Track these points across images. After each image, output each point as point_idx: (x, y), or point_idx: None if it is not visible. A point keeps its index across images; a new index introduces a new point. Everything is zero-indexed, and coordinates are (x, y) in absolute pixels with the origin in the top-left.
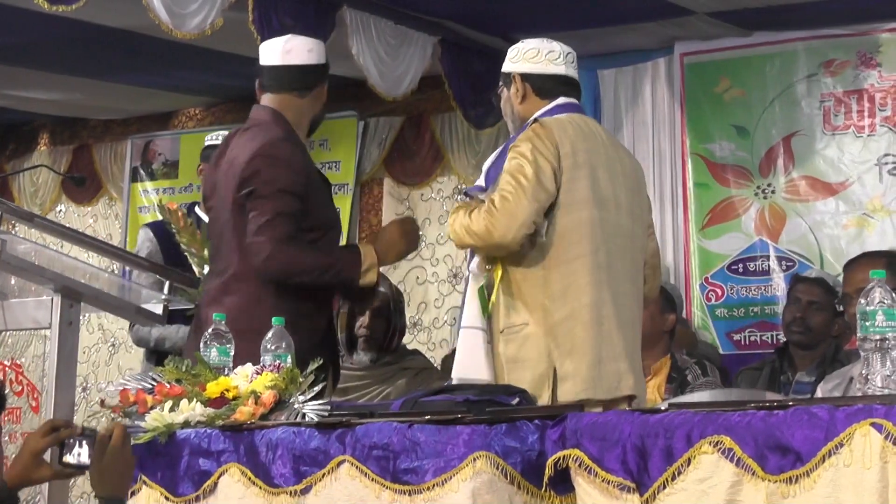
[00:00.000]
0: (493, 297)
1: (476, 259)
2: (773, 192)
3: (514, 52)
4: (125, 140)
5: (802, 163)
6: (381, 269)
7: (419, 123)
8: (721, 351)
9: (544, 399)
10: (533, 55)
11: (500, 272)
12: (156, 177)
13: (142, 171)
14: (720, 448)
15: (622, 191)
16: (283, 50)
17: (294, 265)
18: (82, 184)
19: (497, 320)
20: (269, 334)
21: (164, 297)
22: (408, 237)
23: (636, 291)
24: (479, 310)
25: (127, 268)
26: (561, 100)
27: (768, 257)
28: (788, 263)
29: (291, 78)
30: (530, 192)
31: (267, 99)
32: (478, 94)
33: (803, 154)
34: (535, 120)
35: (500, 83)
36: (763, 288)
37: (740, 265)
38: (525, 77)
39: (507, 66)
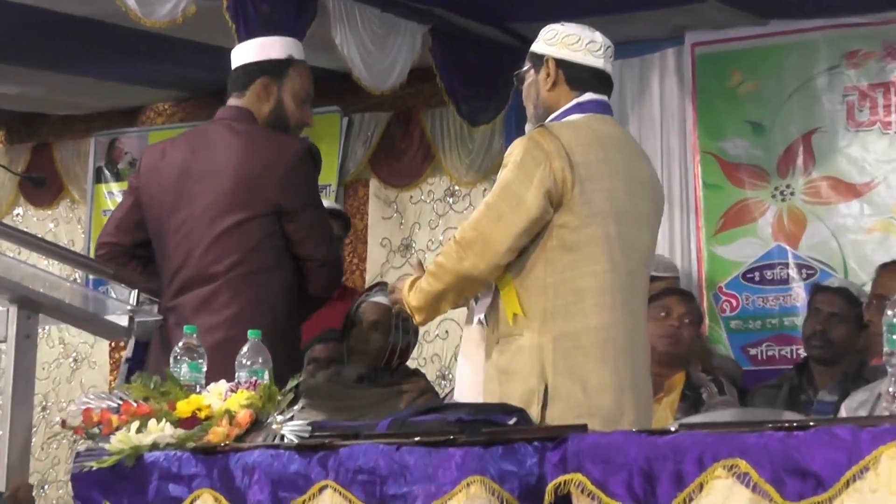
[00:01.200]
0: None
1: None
2: (791, 194)
3: (550, 33)
4: (88, 138)
5: (823, 162)
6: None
7: (408, 119)
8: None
9: (533, 417)
10: (573, 41)
11: (506, 279)
12: (122, 177)
13: (107, 172)
14: (735, 472)
15: (643, 202)
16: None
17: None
18: (42, 185)
19: (495, 330)
20: (245, 348)
21: (130, 307)
22: None
23: (640, 308)
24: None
25: (91, 276)
26: (589, 95)
27: (787, 265)
28: (809, 271)
29: (232, 81)
30: (507, 215)
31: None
32: (472, 88)
33: (824, 153)
34: (541, 125)
35: (528, 64)
36: (781, 298)
37: (756, 273)
38: (560, 63)
39: (541, 48)
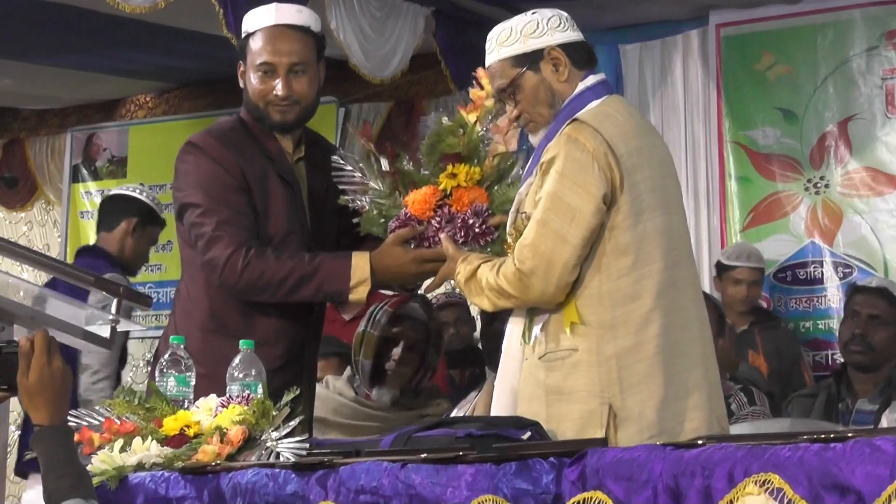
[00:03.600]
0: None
1: None
2: (826, 186)
3: (530, 25)
4: (63, 133)
5: (861, 152)
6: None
7: (410, 109)
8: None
9: None
10: (557, 24)
11: None
12: (100, 176)
13: (84, 170)
14: (768, 488)
15: (672, 184)
16: None
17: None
18: (14, 185)
19: (538, 345)
20: (237, 360)
21: (111, 317)
22: (420, 268)
23: (699, 298)
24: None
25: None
26: (592, 78)
27: (822, 263)
28: (846, 270)
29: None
30: (564, 230)
31: None
32: None
33: (862, 141)
34: (574, 118)
35: (517, 71)
36: (816, 299)
37: (788, 273)
38: (564, 48)
39: (530, 44)
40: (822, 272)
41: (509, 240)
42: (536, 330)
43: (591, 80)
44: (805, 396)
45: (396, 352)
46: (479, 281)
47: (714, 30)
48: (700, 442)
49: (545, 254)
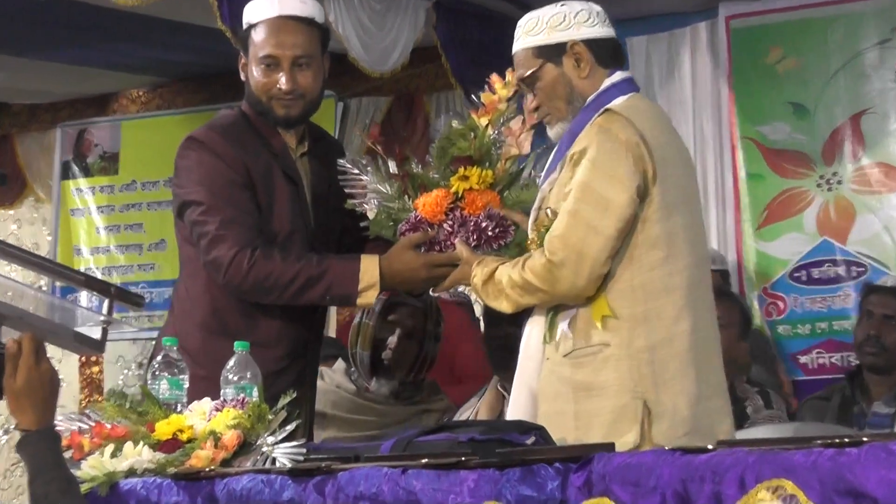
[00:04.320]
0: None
1: None
2: (838, 182)
3: (557, 17)
4: (54, 128)
5: (874, 147)
6: None
7: (410, 104)
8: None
9: (629, 437)
10: (586, 18)
11: None
12: (92, 172)
13: (75, 167)
14: (780, 494)
15: (694, 184)
16: None
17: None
18: (3, 182)
19: (564, 342)
20: (231, 362)
21: (102, 318)
22: (431, 273)
23: (713, 302)
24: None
25: (58, 284)
26: (619, 74)
27: (834, 261)
28: (858, 269)
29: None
30: (596, 221)
31: None
32: (480, 68)
33: (875, 136)
34: (605, 109)
35: (538, 62)
36: (829, 299)
37: (804, 272)
38: (587, 44)
39: (554, 36)
40: (835, 271)
41: (532, 235)
42: (563, 326)
43: (618, 76)
44: (818, 399)
45: (392, 340)
46: (499, 282)
47: (723, 22)
48: (710, 446)
49: (576, 245)
